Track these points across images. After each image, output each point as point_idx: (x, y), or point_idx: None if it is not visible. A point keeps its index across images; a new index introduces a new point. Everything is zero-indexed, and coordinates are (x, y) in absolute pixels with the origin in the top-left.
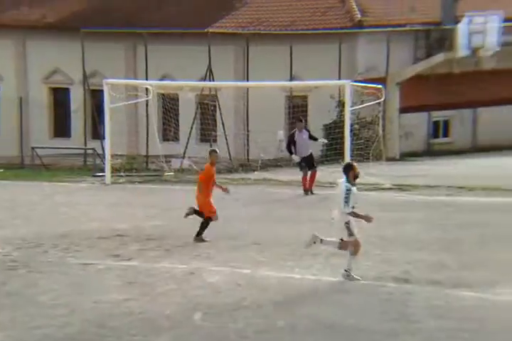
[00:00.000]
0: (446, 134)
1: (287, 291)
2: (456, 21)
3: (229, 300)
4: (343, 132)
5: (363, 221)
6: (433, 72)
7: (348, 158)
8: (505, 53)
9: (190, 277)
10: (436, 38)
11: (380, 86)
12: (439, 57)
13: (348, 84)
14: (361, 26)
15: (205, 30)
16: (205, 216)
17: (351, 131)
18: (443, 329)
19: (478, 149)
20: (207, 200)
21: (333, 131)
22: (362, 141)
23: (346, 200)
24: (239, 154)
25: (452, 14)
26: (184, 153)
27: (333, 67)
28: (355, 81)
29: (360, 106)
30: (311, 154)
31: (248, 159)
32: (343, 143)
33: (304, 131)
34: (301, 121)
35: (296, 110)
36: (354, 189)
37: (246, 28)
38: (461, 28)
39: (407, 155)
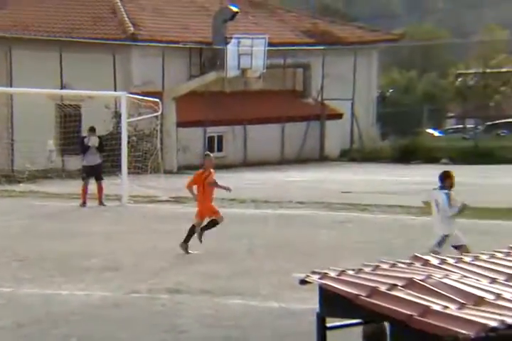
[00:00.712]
0: (220, 149)
1: (53, 309)
2: (226, 42)
3: None
4: (120, 144)
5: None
6: (207, 89)
7: (125, 170)
8: (271, 75)
9: None
10: (209, 56)
11: (157, 99)
12: (211, 76)
13: (123, 96)
14: (134, 40)
15: None
16: (214, 220)
17: (129, 142)
18: (211, 338)
19: (248, 164)
20: (208, 205)
21: (110, 142)
22: (140, 153)
23: (450, 204)
24: (2, 165)
25: (222, 35)
26: None
27: (108, 77)
28: (132, 93)
29: (137, 118)
30: (99, 164)
31: (13, 170)
32: (120, 154)
33: (95, 138)
34: (92, 129)
35: (69, 119)
36: (452, 193)
37: (8, 31)
38: (230, 49)
39: (185, 169)
